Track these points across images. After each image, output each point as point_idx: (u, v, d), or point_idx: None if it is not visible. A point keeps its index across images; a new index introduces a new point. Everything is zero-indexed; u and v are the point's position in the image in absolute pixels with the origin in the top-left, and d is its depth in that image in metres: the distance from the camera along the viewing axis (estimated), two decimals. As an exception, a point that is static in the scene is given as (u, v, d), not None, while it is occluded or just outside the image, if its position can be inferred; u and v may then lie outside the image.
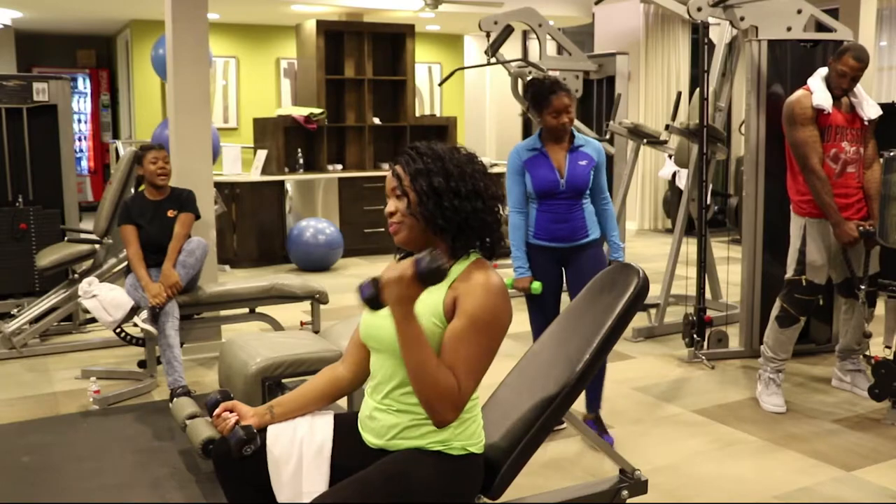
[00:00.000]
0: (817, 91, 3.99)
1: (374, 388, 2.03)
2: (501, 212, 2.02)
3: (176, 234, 4.38)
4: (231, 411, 2.06)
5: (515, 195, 3.55)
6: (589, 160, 3.53)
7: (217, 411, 2.06)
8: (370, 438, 2.01)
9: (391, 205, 1.98)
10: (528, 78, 3.66)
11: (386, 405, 1.98)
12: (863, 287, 4.00)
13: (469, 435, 1.97)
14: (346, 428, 2.08)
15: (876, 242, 3.95)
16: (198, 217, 4.54)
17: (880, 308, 4.14)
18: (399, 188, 1.95)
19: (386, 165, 8.67)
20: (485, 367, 1.91)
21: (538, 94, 3.48)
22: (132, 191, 5.07)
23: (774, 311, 4.18)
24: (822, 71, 4.08)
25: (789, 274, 4.13)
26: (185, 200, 4.51)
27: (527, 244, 3.57)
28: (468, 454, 1.97)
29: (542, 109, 3.46)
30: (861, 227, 3.92)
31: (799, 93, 4.06)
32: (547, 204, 3.52)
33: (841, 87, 3.97)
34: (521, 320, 5.88)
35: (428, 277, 1.78)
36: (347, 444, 2.03)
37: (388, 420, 1.97)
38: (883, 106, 4.15)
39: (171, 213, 4.43)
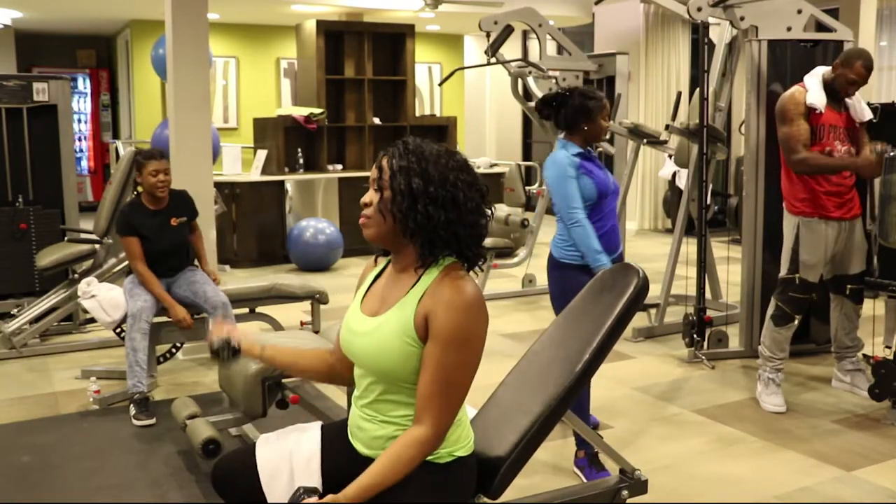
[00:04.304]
0: (812, 90, 4.00)
1: (357, 397, 2.03)
2: (483, 225, 1.93)
3: (199, 252, 4.57)
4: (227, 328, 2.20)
5: (579, 199, 3.32)
6: None
7: (212, 325, 2.21)
8: (359, 447, 2.00)
9: (368, 195, 1.93)
10: (556, 91, 3.59)
11: (370, 416, 1.97)
12: (867, 279, 4.01)
13: (455, 440, 1.95)
14: (334, 437, 2.07)
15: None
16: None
17: (880, 308, 4.14)
18: (378, 181, 1.90)
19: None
20: (467, 383, 1.89)
21: (592, 101, 3.39)
22: (131, 194, 5.05)
23: (770, 310, 4.20)
24: (820, 70, 4.07)
25: (783, 272, 4.15)
26: (186, 206, 4.43)
27: (570, 266, 3.35)
28: (456, 459, 1.95)
29: (597, 116, 3.38)
30: (877, 148, 3.89)
31: (793, 89, 4.08)
32: (600, 209, 3.38)
33: (848, 93, 3.98)
34: (520, 320, 5.93)
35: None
36: (337, 453, 2.03)
37: (373, 430, 1.96)
38: (883, 106, 4.15)
39: (174, 222, 4.33)
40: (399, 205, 1.86)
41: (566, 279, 3.35)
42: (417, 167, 1.87)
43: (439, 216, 1.86)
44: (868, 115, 4.04)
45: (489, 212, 1.96)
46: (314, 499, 1.83)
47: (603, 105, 3.42)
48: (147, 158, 4.26)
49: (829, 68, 4.04)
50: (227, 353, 2.12)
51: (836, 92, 3.99)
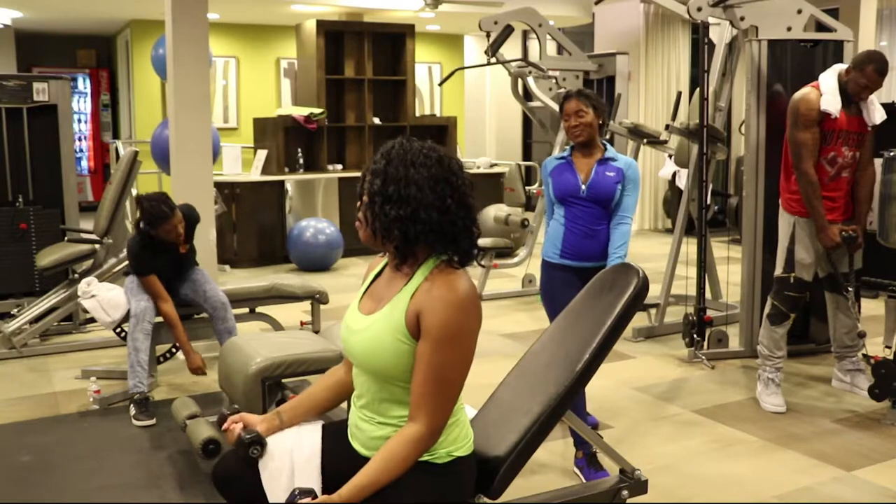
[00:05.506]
0: (827, 94, 3.91)
1: (356, 398, 2.04)
2: (445, 221, 1.86)
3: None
4: (238, 422, 2.08)
5: (548, 200, 3.57)
6: (617, 173, 3.39)
7: (225, 425, 2.07)
8: (359, 448, 2.00)
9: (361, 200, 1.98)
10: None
11: (368, 416, 1.98)
12: (850, 288, 4.02)
13: (453, 440, 1.95)
14: (335, 436, 2.07)
15: (858, 246, 4.00)
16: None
17: (879, 308, 4.14)
18: (361, 186, 1.94)
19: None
20: (460, 380, 1.90)
21: (559, 104, 3.52)
22: (130, 196, 5.03)
23: (766, 310, 4.21)
24: (837, 69, 3.99)
25: (779, 271, 4.15)
26: (192, 225, 4.32)
27: (550, 264, 3.50)
28: (454, 459, 1.95)
29: (562, 114, 3.48)
30: (844, 232, 3.93)
31: (807, 90, 3.99)
32: (570, 212, 3.42)
33: (860, 97, 3.93)
34: (519, 320, 5.92)
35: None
36: (338, 452, 2.03)
37: (371, 431, 1.96)
38: (883, 106, 4.14)
39: (183, 250, 4.29)
40: (367, 207, 1.90)
41: (546, 276, 3.56)
42: (381, 168, 1.88)
43: (389, 213, 1.85)
44: (879, 118, 3.96)
45: (461, 203, 1.88)
46: (309, 499, 1.83)
47: (564, 106, 3.44)
48: (160, 220, 4.03)
49: (846, 67, 3.97)
50: (256, 450, 2.01)
51: (856, 97, 3.93)
